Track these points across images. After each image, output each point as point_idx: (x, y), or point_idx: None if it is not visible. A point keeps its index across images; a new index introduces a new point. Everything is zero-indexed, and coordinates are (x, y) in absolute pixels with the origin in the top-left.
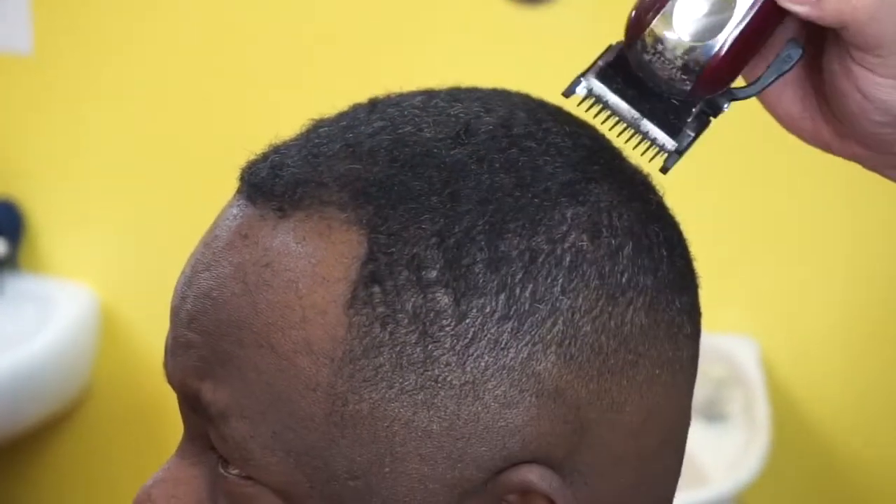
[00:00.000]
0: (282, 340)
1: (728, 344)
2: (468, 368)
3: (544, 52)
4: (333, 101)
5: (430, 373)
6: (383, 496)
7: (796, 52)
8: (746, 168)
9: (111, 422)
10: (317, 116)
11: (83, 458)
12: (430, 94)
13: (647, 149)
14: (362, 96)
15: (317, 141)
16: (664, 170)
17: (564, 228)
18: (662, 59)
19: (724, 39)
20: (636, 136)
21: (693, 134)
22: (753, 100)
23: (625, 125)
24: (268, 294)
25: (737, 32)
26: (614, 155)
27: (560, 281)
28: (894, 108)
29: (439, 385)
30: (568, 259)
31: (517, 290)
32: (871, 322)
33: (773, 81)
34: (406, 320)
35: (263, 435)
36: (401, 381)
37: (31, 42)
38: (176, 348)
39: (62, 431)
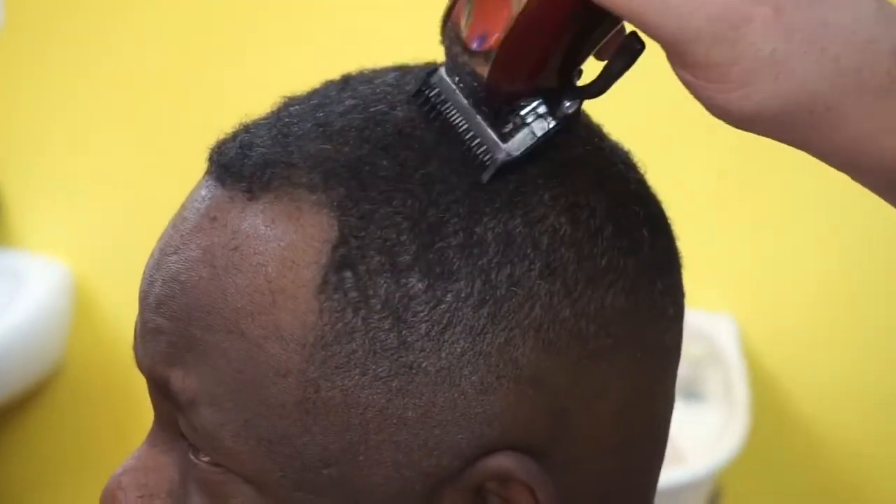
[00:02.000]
0: (251, 326)
1: (706, 322)
2: (444, 355)
3: None
4: (320, 75)
5: (404, 359)
6: (358, 485)
7: (637, 46)
8: (721, 144)
9: (84, 398)
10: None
11: (55, 434)
12: (403, 71)
13: (480, 153)
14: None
15: (287, 120)
16: (484, 178)
17: (542, 210)
18: (460, 54)
19: (505, 27)
20: (472, 137)
21: (528, 140)
22: None
23: (465, 125)
24: (236, 278)
25: (512, 18)
26: (594, 133)
27: (538, 264)
28: (728, 116)
29: (414, 371)
30: (546, 242)
31: (493, 275)
32: (850, 299)
33: (616, 76)
34: (379, 305)
35: (234, 422)
36: (374, 367)
37: (2, 15)
38: (145, 334)
39: (34, 408)
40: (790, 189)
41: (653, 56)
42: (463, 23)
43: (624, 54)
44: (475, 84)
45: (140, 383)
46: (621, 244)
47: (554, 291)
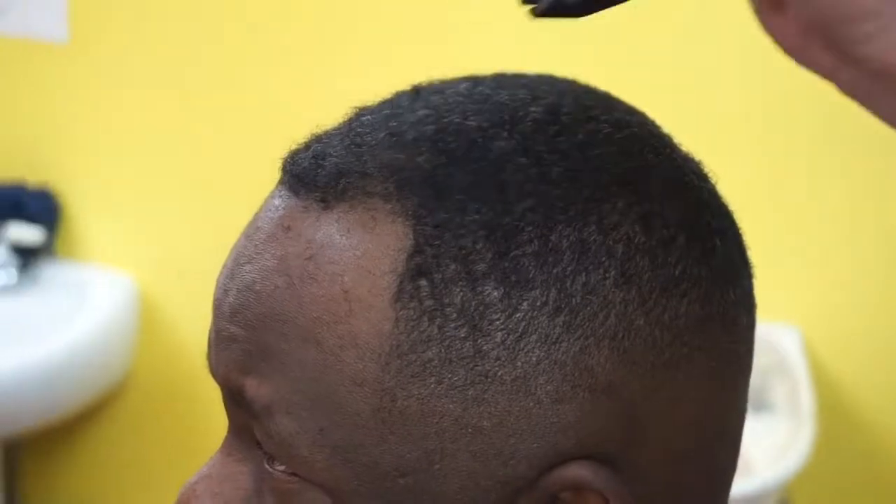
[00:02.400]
0: (327, 335)
1: (772, 332)
2: (519, 363)
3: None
4: (374, 87)
5: (479, 368)
6: (433, 494)
7: None
8: (791, 155)
9: (149, 410)
10: (357, 104)
11: (121, 446)
12: (474, 81)
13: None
14: (400, 85)
15: (360, 130)
16: (534, 12)
17: (616, 219)
18: None
19: None
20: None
21: None
22: (802, 85)
23: None
24: (312, 287)
25: None
26: (665, 142)
27: (612, 273)
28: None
29: (489, 380)
30: (620, 250)
31: (568, 283)
32: None
33: None
34: (455, 314)
35: (309, 431)
36: (450, 376)
37: (67, 30)
38: (219, 342)
39: (100, 420)
40: (856, 199)
41: (723, 66)
42: None
43: None
44: None
45: (205, 394)
46: (694, 253)
47: (629, 300)
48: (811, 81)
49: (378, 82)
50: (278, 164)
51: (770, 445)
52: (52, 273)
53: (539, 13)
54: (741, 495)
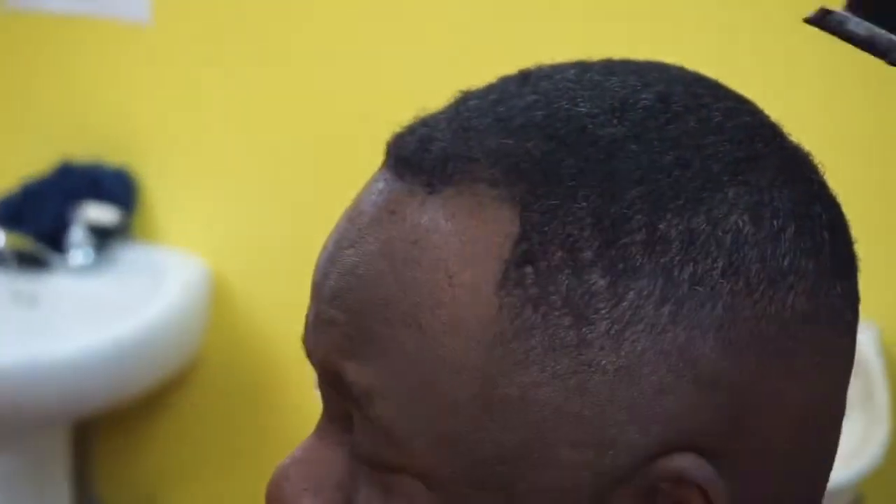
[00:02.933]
0: (430, 320)
1: None
2: (623, 353)
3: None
4: (461, 71)
5: (583, 357)
6: (530, 482)
7: None
8: (868, 145)
9: (221, 392)
10: (459, 89)
11: (191, 428)
12: (583, 67)
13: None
14: (491, 71)
15: (466, 114)
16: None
17: (725, 209)
18: None
19: None
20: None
21: None
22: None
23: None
24: (416, 272)
25: None
26: (775, 132)
27: (720, 263)
28: None
29: (592, 369)
30: (729, 240)
31: (676, 272)
32: None
33: None
34: (559, 302)
35: (409, 417)
36: (553, 364)
37: (149, 10)
38: (318, 325)
39: (172, 401)
40: None
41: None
42: None
43: None
44: None
45: (276, 377)
46: (803, 245)
47: (736, 291)
48: None
49: (466, 67)
50: (359, 152)
51: (843, 443)
52: (127, 255)
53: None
54: None
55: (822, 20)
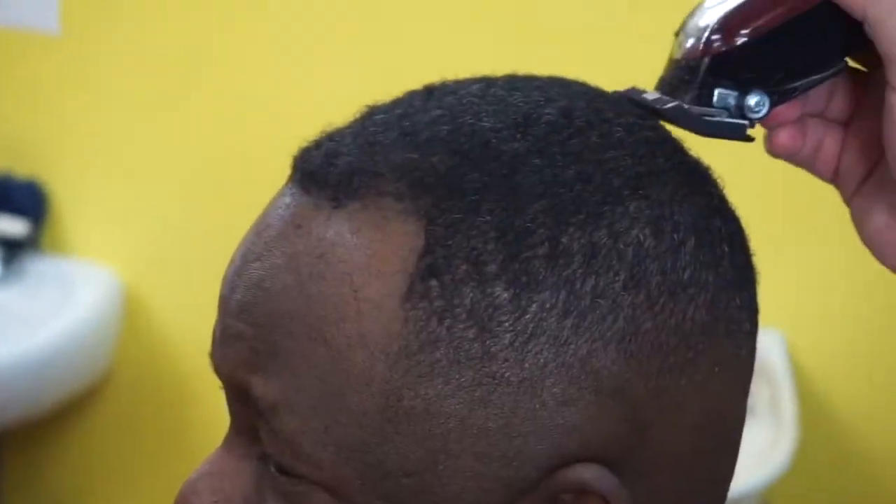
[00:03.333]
0: (335, 334)
1: None
2: (527, 365)
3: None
4: (368, 85)
5: (487, 369)
6: (436, 493)
7: (839, 63)
8: (769, 160)
9: (132, 405)
10: (360, 98)
11: (104, 441)
12: (487, 82)
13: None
14: (400, 85)
15: (372, 129)
16: (664, 112)
17: (626, 223)
18: (690, 24)
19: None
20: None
21: (709, 114)
22: None
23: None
24: (321, 286)
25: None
26: (676, 147)
27: (622, 276)
28: None
29: (496, 382)
30: (630, 254)
31: (578, 285)
32: None
33: (803, 86)
34: (464, 315)
35: (315, 429)
36: (457, 377)
37: (58, 21)
38: (225, 339)
39: (83, 414)
40: (840, 204)
41: None
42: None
43: (825, 67)
44: (690, 55)
45: (188, 390)
46: (703, 258)
47: (637, 304)
48: None
49: (373, 81)
50: (269, 161)
51: (751, 450)
52: (37, 267)
53: (667, 112)
54: None
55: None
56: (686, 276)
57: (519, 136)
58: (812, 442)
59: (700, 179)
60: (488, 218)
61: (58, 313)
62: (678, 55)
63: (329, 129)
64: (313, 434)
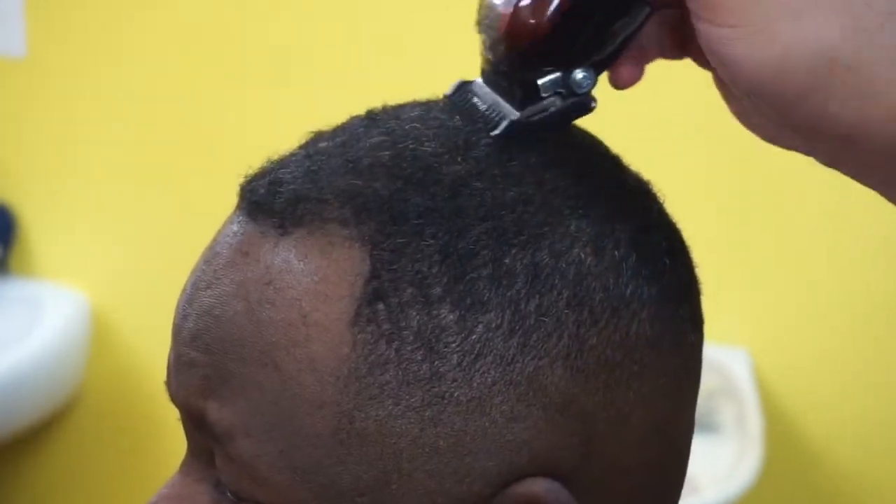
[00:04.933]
0: (286, 359)
1: (720, 355)
2: (475, 384)
3: None
4: (331, 104)
5: (436, 389)
6: None
7: (642, 11)
8: (741, 178)
9: (101, 427)
10: (314, 123)
11: (72, 463)
12: (428, 106)
13: (493, 120)
14: (361, 99)
15: (316, 156)
16: (495, 137)
17: (568, 242)
18: (489, 26)
19: None
20: (488, 108)
21: (544, 110)
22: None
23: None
24: (270, 312)
25: None
26: (615, 164)
27: (565, 294)
28: (748, 71)
29: (446, 401)
30: (572, 272)
31: (522, 305)
32: (865, 335)
33: (619, 44)
34: (411, 337)
35: (270, 453)
36: (407, 397)
37: (24, 45)
38: (179, 366)
39: (51, 436)
40: (808, 224)
41: (680, 83)
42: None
43: (630, 16)
44: (496, 44)
45: (156, 412)
46: (645, 273)
47: (581, 321)
48: None
49: (332, 104)
50: (234, 187)
51: (717, 467)
52: (4, 289)
53: (498, 136)
54: None
55: (456, 92)
56: (628, 291)
57: (460, 159)
58: (777, 458)
59: (639, 195)
60: (432, 241)
61: (26, 335)
62: (488, 55)
63: (273, 157)
64: (269, 458)
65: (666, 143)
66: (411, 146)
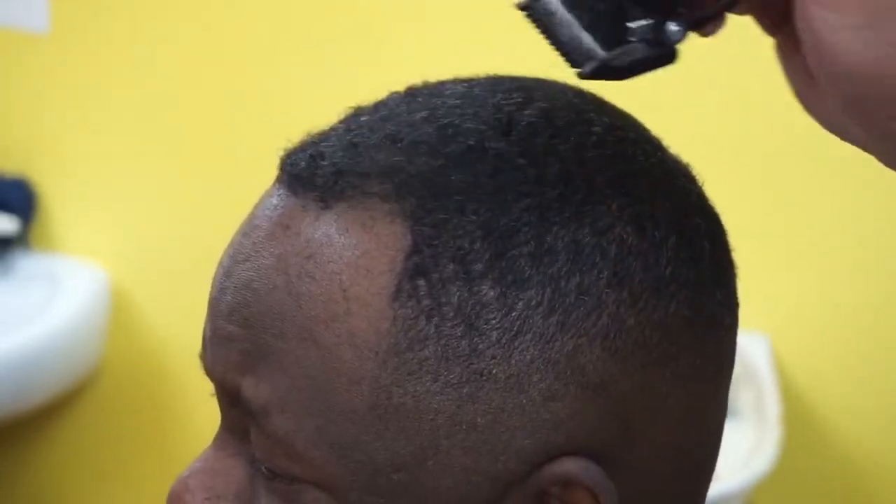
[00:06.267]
0: (325, 333)
1: (740, 340)
2: (513, 362)
3: None
4: (357, 84)
5: (475, 366)
6: (426, 488)
7: None
8: (760, 163)
9: (120, 402)
10: (335, 101)
11: (91, 437)
12: (469, 84)
13: (579, 59)
14: (381, 85)
15: (357, 131)
16: (580, 75)
17: (609, 220)
18: None
19: None
20: (572, 46)
21: (632, 55)
22: (774, 101)
23: (563, 34)
24: (310, 286)
25: None
26: (656, 146)
27: (605, 273)
28: (846, 63)
29: (484, 378)
30: (613, 251)
31: (563, 283)
32: (885, 321)
33: (721, 6)
34: (451, 313)
35: (306, 429)
36: (446, 374)
37: (47, 19)
38: (215, 341)
39: (71, 411)
40: (826, 209)
41: (706, 74)
42: None
43: None
44: None
45: (175, 386)
46: (684, 255)
47: (621, 300)
48: (788, 91)
49: (363, 82)
50: (258, 160)
51: (735, 451)
52: (25, 263)
53: (585, 75)
54: (706, 499)
55: (529, 5)
56: (668, 272)
57: (502, 136)
58: (796, 443)
59: (680, 177)
60: (473, 217)
61: (46, 309)
62: None
63: (314, 131)
64: (305, 433)
65: (689, 128)
66: (453, 122)
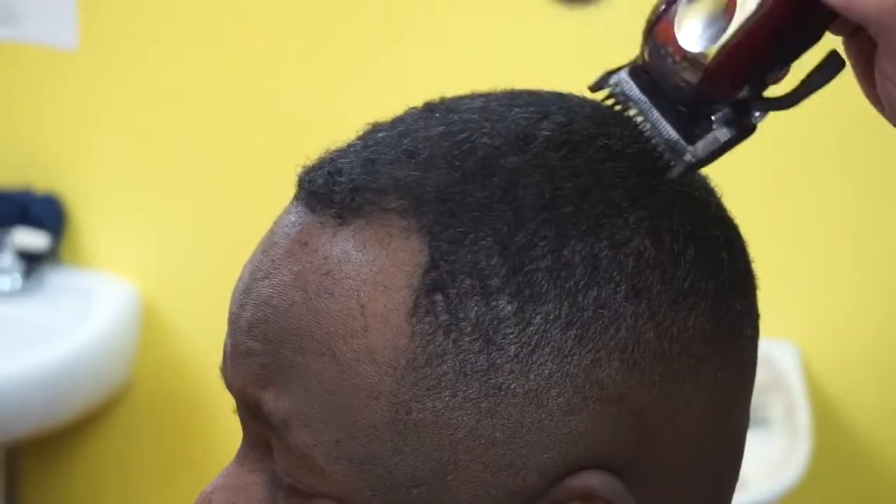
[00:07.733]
0: (343, 349)
1: (769, 349)
2: (532, 376)
3: (584, 54)
4: (378, 100)
5: (493, 381)
6: (446, 503)
7: (836, 63)
8: (789, 172)
9: (150, 417)
10: (369, 119)
11: (122, 452)
12: (486, 98)
13: (663, 153)
14: (400, 99)
15: (374, 147)
16: (672, 175)
17: (627, 233)
18: (668, 61)
19: (726, 38)
20: (655, 138)
21: (712, 145)
22: (803, 105)
23: (646, 126)
24: (329, 302)
25: (737, 30)
26: None
27: (623, 287)
28: None
29: (503, 393)
30: (631, 264)
31: (580, 297)
32: None
33: (813, 90)
34: (469, 328)
35: (326, 443)
36: (464, 389)
37: (76, 37)
38: (236, 356)
39: (101, 426)
40: (856, 217)
41: None
42: (676, 27)
43: (826, 69)
44: (679, 86)
45: (205, 402)
46: (703, 267)
47: (639, 313)
48: (816, 100)
49: (384, 96)
50: (285, 175)
51: (766, 461)
52: (56, 279)
53: (674, 177)
54: None
55: (601, 85)
56: (686, 284)
57: (518, 151)
58: (826, 453)
59: (697, 189)
60: (490, 233)
61: (77, 325)
62: (661, 76)
63: (331, 147)
64: (325, 448)
65: None
66: (469, 137)
